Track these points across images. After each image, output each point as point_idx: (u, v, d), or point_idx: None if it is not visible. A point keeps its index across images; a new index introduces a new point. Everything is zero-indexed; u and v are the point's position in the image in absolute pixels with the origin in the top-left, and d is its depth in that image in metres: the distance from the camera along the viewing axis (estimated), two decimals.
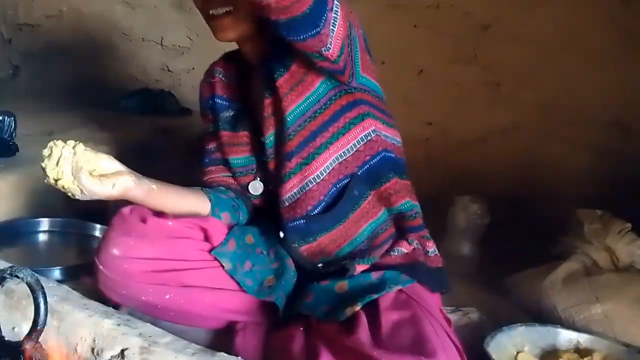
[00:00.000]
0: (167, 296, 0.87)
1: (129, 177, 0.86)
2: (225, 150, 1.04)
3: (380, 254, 0.93)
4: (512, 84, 1.85)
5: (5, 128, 1.47)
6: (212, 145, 1.07)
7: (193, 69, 2.28)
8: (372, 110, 0.93)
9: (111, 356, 0.73)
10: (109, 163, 0.86)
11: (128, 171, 0.88)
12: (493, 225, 1.56)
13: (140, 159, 1.79)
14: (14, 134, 1.49)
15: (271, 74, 0.90)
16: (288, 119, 0.90)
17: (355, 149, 0.91)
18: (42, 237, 1.34)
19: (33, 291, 0.63)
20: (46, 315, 0.63)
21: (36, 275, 0.64)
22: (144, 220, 0.89)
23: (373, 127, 0.92)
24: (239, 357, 0.72)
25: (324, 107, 0.90)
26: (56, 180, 0.83)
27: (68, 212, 1.42)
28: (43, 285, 0.63)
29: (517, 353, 1.05)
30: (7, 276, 0.65)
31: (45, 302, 0.63)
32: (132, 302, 0.88)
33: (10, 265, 0.65)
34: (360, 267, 0.90)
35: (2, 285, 0.65)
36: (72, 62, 2.38)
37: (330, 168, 0.91)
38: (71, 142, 0.85)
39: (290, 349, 0.80)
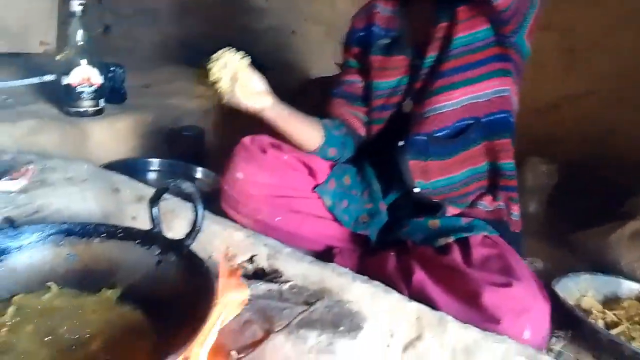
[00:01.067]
0: (278, 218, 1.02)
1: (269, 97, 1.02)
2: (373, 75, 1.13)
3: (469, 201, 1.04)
4: (586, 49, 1.86)
5: (117, 78, 1.66)
6: (345, 78, 1.18)
7: (271, 28, 2.40)
8: (515, 72, 1.04)
9: (242, 261, 0.88)
10: (259, 83, 1.02)
11: (270, 93, 1.03)
12: (563, 188, 1.62)
13: (225, 113, 1.96)
14: (123, 83, 1.68)
15: (452, 3, 1.01)
16: (456, 42, 1.01)
17: (489, 97, 1.02)
18: (151, 176, 1.53)
19: (194, 199, 0.78)
20: (202, 220, 0.78)
21: (195, 185, 0.79)
22: (263, 151, 1.04)
23: (509, 87, 1.03)
24: (347, 268, 0.85)
25: (483, 47, 1.01)
26: (215, 82, 0.98)
27: (171, 155, 1.61)
28: (200, 195, 0.78)
29: (581, 297, 1.15)
30: (171, 186, 0.80)
31: (203, 209, 0.78)
32: (248, 220, 1.02)
33: (173, 179, 0.80)
34: (452, 210, 1.01)
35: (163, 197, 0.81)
36: (159, 22, 2.56)
37: (465, 103, 1.02)
38: (240, 54, 1.00)
39: (385, 268, 0.94)
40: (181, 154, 1.60)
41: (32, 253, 0.77)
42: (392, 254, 0.97)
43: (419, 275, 0.88)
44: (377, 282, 0.81)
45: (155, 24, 2.56)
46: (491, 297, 0.80)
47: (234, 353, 0.69)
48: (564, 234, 1.48)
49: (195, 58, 2.32)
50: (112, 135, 1.51)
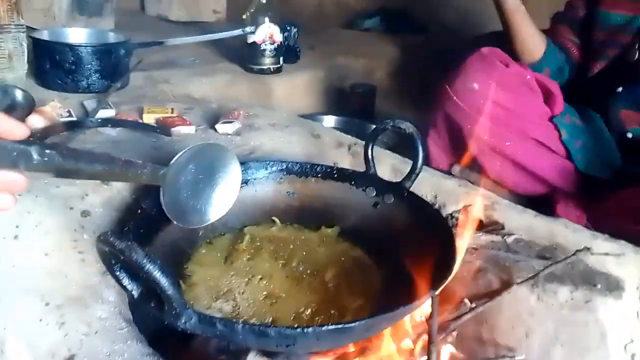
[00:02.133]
0: (508, 143, 0.92)
1: None
2: (603, 2, 1.01)
3: None
4: None
5: (292, 36, 1.69)
6: (571, 2, 1.08)
7: None
8: None
9: (453, 211, 0.83)
10: None
11: None
12: None
13: (390, 73, 1.91)
14: (297, 42, 1.71)
15: None
16: None
17: None
18: None
19: (414, 140, 0.74)
20: (423, 161, 0.75)
21: (415, 127, 0.75)
22: (506, 65, 0.94)
23: None
24: (584, 227, 0.75)
25: None
26: None
27: (343, 112, 1.61)
28: (420, 135, 0.74)
29: None
30: (389, 127, 0.78)
31: (424, 151, 0.75)
32: (471, 136, 0.93)
33: (394, 119, 0.77)
34: None
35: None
36: None
37: None
38: None
39: (630, 206, 0.80)
40: (353, 111, 1.60)
41: (257, 188, 0.81)
42: (637, 189, 0.83)
43: None
44: (622, 241, 0.70)
45: None
46: None
47: (466, 301, 0.65)
48: None
49: (352, 21, 2.32)
50: (291, 91, 1.55)
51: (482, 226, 0.79)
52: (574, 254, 0.64)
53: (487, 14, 2.28)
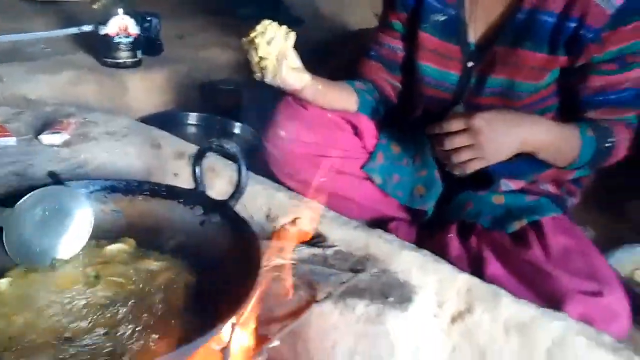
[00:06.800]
0: (322, 179, 0.97)
1: (307, 74, 0.94)
2: (421, 56, 0.98)
3: (531, 179, 0.97)
4: None
5: (153, 28, 1.61)
6: (385, 41, 1.04)
7: None
8: None
9: (284, 223, 0.86)
10: (295, 59, 0.92)
11: (305, 70, 0.94)
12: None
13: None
14: (159, 34, 1.64)
15: None
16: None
17: None
18: (189, 130, 1.50)
19: (237, 159, 0.75)
20: (246, 181, 0.76)
21: (238, 146, 0.76)
22: (305, 107, 0.97)
23: None
24: (396, 237, 0.82)
25: None
26: (261, 58, 0.89)
27: (207, 108, 1.58)
28: (243, 155, 0.75)
29: (635, 270, 1.09)
30: (214, 146, 0.77)
31: (247, 170, 0.76)
32: (292, 180, 0.97)
33: (213, 135, 0.77)
34: (512, 183, 0.95)
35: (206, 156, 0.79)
36: None
37: None
38: (284, 28, 0.90)
39: (447, 253, 0.87)
40: (218, 107, 1.57)
41: None
42: (452, 235, 0.91)
43: (495, 269, 0.82)
44: (425, 251, 0.78)
45: None
46: (578, 308, 0.73)
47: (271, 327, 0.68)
48: (617, 203, 1.40)
49: (224, 8, 2.25)
50: (149, 87, 1.49)
51: (308, 239, 0.82)
52: (361, 271, 0.69)
53: (364, 7, 2.35)
